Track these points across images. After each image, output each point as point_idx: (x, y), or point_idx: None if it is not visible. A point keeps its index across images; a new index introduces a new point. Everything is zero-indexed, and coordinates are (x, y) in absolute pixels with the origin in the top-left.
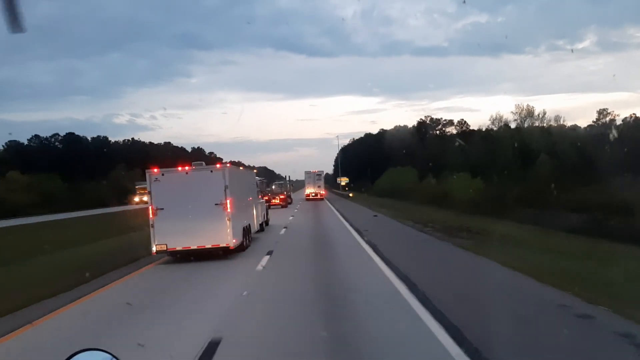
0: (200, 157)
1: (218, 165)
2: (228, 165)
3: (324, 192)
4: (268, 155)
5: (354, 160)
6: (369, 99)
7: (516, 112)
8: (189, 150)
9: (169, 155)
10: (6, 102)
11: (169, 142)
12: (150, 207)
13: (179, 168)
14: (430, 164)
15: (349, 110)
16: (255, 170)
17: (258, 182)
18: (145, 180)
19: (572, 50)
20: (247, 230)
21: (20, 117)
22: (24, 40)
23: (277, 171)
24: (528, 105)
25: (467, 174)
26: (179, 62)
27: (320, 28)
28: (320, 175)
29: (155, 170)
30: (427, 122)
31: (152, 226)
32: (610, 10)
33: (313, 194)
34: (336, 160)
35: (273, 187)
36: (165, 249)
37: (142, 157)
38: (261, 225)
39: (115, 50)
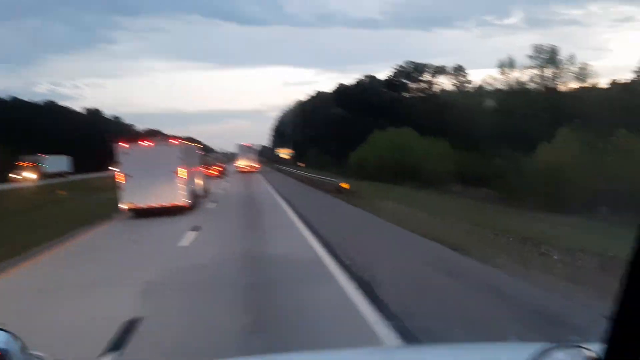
0: (98, 119)
1: (175, 142)
2: (183, 141)
3: (257, 166)
4: (198, 126)
5: (303, 128)
6: (304, 70)
7: (535, 56)
8: (85, 112)
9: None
10: None
11: (53, 102)
12: (121, 174)
13: (144, 143)
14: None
15: (283, 82)
16: (200, 145)
17: (200, 155)
18: None
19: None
20: (195, 194)
21: None
22: None
23: (208, 144)
24: (553, 47)
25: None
26: (103, 29)
27: None
28: (252, 148)
29: (125, 145)
30: (408, 70)
31: (123, 189)
32: None
33: (245, 167)
34: (278, 129)
35: (210, 159)
36: (133, 206)
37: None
38: (204, 191)
39: (35, 16)
